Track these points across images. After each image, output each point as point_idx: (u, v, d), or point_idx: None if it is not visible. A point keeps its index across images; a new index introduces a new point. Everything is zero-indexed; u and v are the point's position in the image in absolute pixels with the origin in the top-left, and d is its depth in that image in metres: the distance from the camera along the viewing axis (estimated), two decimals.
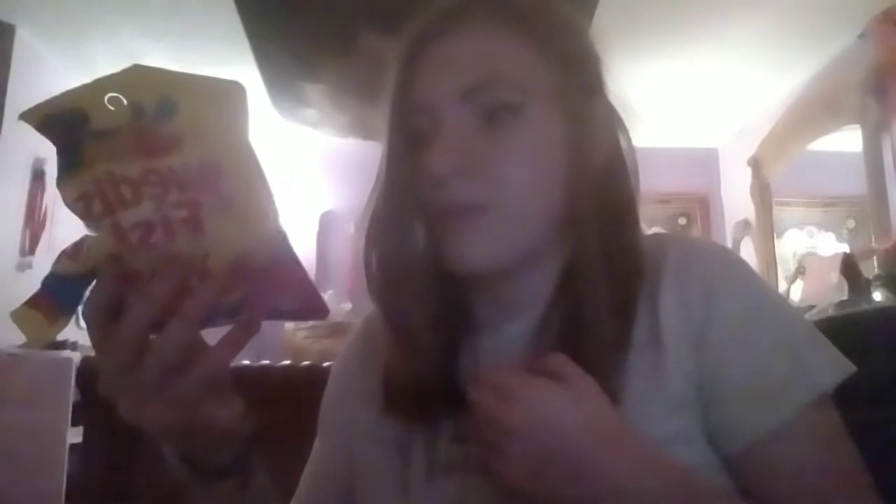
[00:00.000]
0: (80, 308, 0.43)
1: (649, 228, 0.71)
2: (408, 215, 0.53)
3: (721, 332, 0.50)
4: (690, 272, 0.53)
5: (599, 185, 0.53)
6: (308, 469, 0.67)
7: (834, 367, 0.50)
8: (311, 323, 3.31)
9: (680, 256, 0.54)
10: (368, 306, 0.62)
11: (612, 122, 0.57)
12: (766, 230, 3.76)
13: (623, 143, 0.57)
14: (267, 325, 0.45)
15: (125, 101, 0.40)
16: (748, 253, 3.80)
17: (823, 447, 0.49)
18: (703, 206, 4.34)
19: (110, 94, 0.40)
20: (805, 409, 0.48)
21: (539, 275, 0.56)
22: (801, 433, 0.48)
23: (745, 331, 0.50)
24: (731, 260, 0.56)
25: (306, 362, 1.07)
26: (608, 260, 0.51)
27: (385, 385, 0.58)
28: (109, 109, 0.40)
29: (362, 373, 0.64)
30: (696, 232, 4.26)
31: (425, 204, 0.53)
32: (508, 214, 0.52)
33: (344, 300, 3.67)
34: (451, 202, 0.51)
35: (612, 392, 0.48)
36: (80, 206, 0.42)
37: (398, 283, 0.55)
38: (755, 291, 0.53)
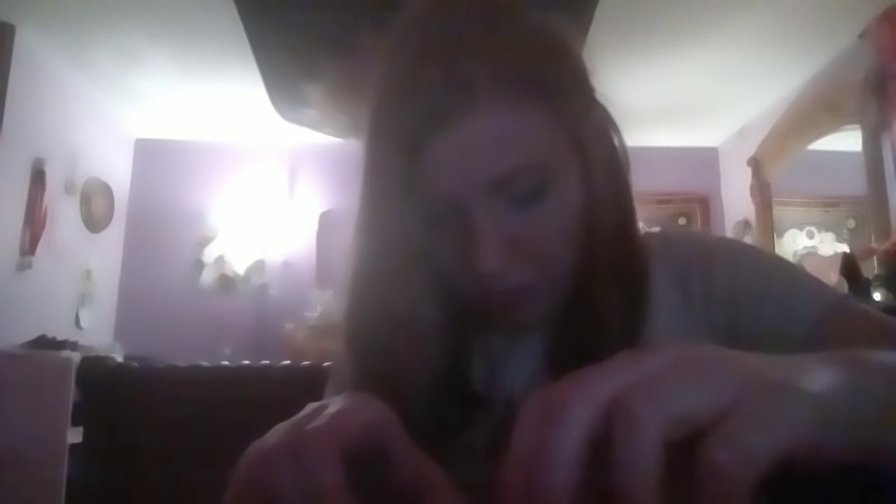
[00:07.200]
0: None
1: (649, 228, 0.72)
2: (426, 279, 0.53)
3: (730, 288, 0.54)
4: (671, 253, 0.58)
5: (607, 196, 0.53)
6: None
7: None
8: (311, 323, 3.31)
9: (659, 245, 0.59)
10: None
11: (606, 127, 0.56)
12: (766, 230, 3.76)
13: (616, 142, 0.57)
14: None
15: None
16: None
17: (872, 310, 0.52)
18: (703, 206, 4.34)
19: None
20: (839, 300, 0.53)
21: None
22: (847, 310, 0.52)
23: (758, 277, 0.54)
24: (707, 235, 0.58)
25: (306, 362, 1.07)
26: (617, 262, 0.53)
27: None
28: None
29: None
30: None
31: (462, 285, 0.53)
32: (556, 280, 0.54)
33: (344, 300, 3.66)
34: (504, 288, 0.52)
35: None
36: None
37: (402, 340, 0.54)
38: (743, 247, 0.59)
